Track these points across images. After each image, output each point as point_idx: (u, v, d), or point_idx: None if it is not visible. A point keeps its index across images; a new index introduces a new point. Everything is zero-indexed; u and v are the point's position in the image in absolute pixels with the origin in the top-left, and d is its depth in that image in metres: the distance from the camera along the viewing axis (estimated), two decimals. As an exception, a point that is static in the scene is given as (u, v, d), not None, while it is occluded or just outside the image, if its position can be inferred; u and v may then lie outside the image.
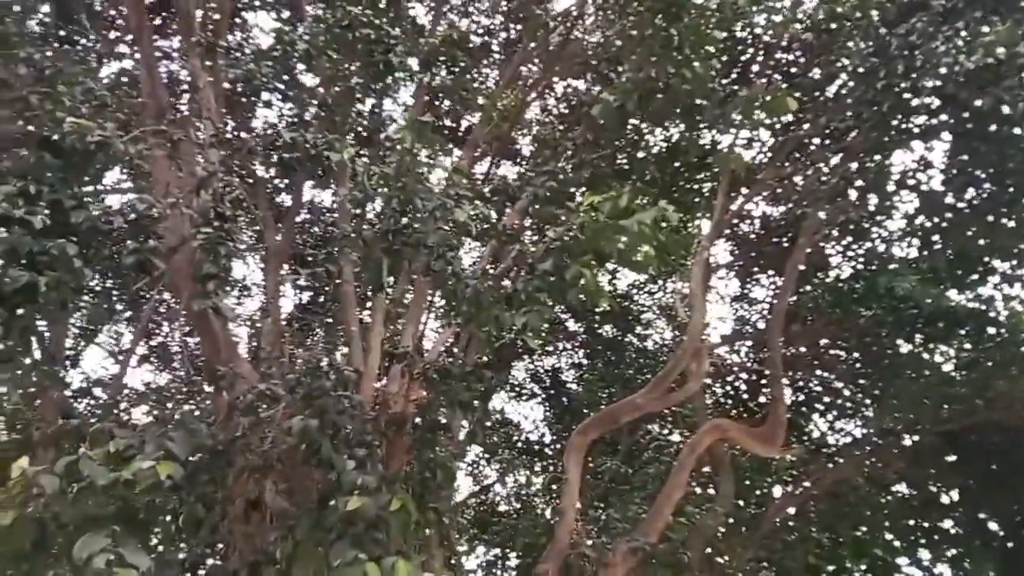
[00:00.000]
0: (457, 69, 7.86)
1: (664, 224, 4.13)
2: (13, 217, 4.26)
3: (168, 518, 4.90)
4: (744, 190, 10.05)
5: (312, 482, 4.88)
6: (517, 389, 15.33)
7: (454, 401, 5.26)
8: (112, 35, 10.66)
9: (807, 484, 10.63)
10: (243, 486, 5.35)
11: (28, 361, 7.91)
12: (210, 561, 5.11)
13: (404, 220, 4.93)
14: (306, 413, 4.71)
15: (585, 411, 11.37)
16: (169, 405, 10.76)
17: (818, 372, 11.74)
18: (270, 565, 5.00)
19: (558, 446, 13.06)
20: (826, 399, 11.55)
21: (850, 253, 10.85)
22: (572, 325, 14.67)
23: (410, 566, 3.67)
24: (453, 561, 7.17)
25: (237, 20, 10.76)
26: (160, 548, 5.21)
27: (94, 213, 4.81)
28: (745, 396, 12.31)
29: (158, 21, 10.39)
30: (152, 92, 6.95)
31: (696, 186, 11.37)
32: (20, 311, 4.34)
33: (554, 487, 11.43)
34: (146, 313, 10.60)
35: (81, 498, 3.71)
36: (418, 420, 5.43)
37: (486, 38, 11.12)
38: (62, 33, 9.68)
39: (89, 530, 3.60)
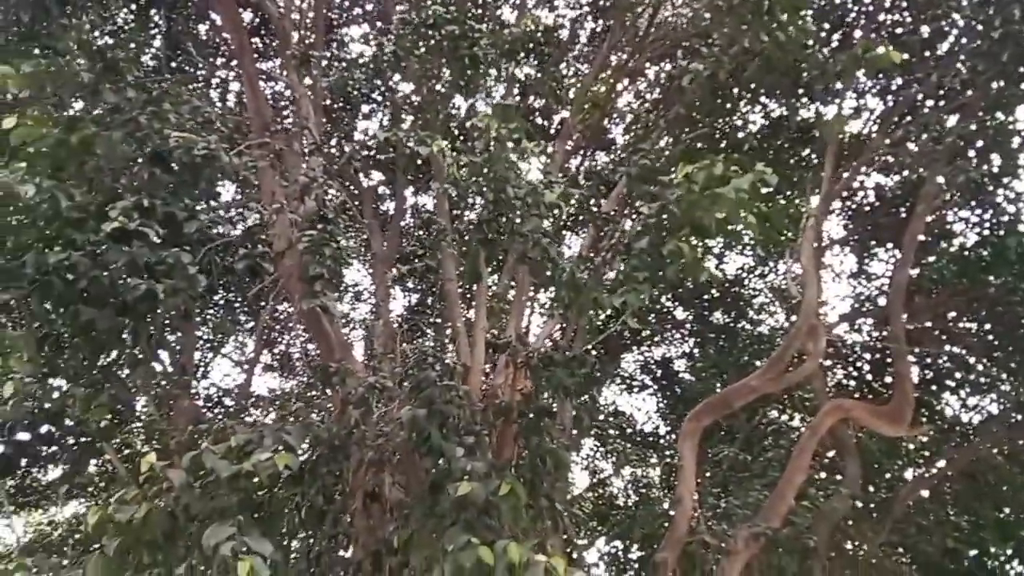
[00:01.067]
0: (544, 61, 7.85)
1: (764, 190, 3.97)
2: (130, 231, 4.53)
3: (292, 511, 5.10)
4: (854, 162, 9.60)
5: (425, 473, 4.96)
6: (628, 381, 15.18)
7: (558, 388, 5.24)
8: (218, 61, 11.23)
9: (941, 465, 10.03)
10: (361, 479, 5.51)
11: (159, 370, 8.38)
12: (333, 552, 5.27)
13: (497, 210, 4.95)
14: (414, 403, 4.80)
15: (698, 400, 11.08)
16: (292, 408, 11.22)
17: (947, 347, 11.06)
18: (390, 555, 5.13)
19: (672, 436, 12.82)
20: (957, 375, 10.85)
21: (974, 219, 10.16)
22: (681, 313, 14.40)
23: (522, 548, 3.67)
24: (571, 551, 7.14)
25: (332, 36, 11.15)
26: (285, 541, 5.42)
27: (206, 224, 5.07)
28: (869, 377, 11.73)
29: (258, 43, 10.86)
30: (257, 108, 7.26)
31: (802, 161, 10.94)
32: (145, 319, 4.63)
33: (671, 477, 11.24)
34: (263, 320, 11.07)
35: (207, 491, 3.90)
36: (524, 409, 5.43)
37: (572, 29, 11.05)
38: (173, 64, 10.28)
39: (216, 521, 3.79)
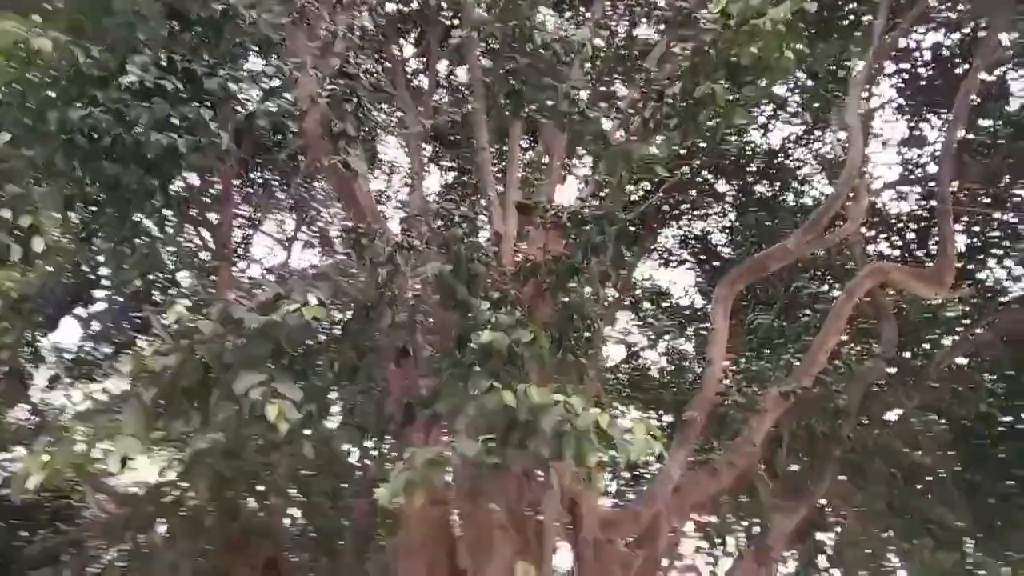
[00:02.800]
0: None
1: (802, 23, 3.73)
2: (150, 87, 4.47)
3: (326, 366, 5.21)
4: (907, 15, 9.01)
5: (454, 329, 5.00)
6: (666, 256, 15.06)
7: (588, 246, 5.19)
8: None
9: (978, 331, 9.88)
10: (392, 338, 5.59)
11: (198, 243, 8.51)
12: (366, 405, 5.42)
13: (523, 60, 4.76)
14: (441, 260, 4.80)
15: (738, 272, 10.94)
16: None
17: (995, 214, 10.67)
18: (421, 407, 5.26)
19: (709, 310, 12.79)
20: (1005, 244, 10.52)
21: (1034, 78, 9.56)
22: (722, 186, 14.07)
23: (544, 391, 3.72)
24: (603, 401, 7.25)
25: None
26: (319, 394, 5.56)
27: (226, 80, 4.98)
28: (912, 246, 11.45)
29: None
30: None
31: (854, 20, 10.31)
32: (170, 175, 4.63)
33: (705, 348, 11.25)
34: (296, 188, 11.10)
35: (234, 337, 3.98)
36: (553, 267, 5.41)
37: None
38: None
39: (247, 370, 3.89)
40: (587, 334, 5.22)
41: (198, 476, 7.00)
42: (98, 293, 8.22)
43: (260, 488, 8.32)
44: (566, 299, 5.10)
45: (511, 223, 7.23)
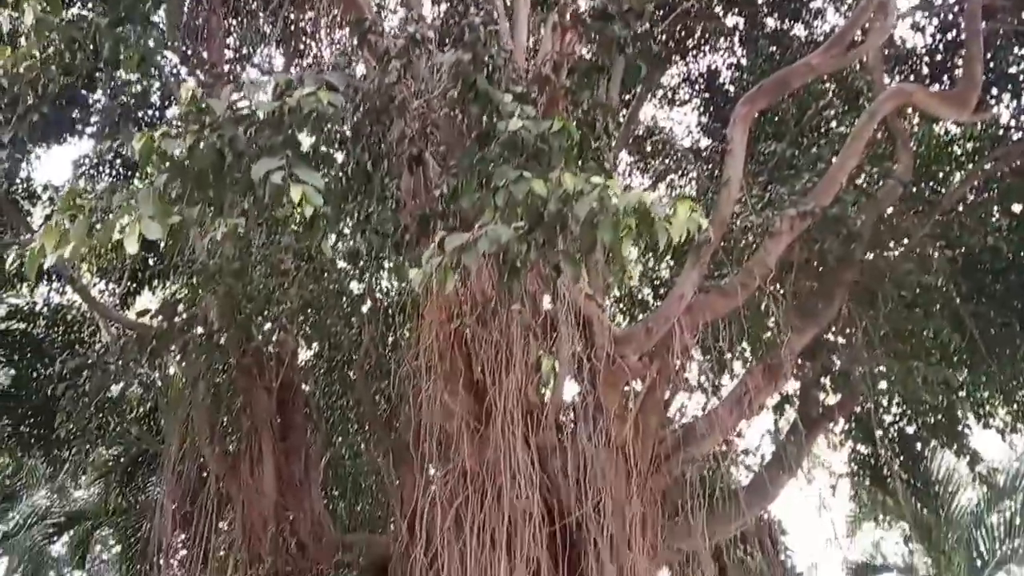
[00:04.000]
0: None
1: None
2: None
3: (339, 173, 5.05)
4: None
5: (470, 130, 4.81)
6: (670, 95, 14.61)
7: (612, 43, 4.91)
8: None
9: (989, 167, 9.74)
10: (405, 147, 5.41)
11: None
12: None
13: None
14: (458, 49, 4.54)
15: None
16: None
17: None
18: (437, 219, 5.15)
19: (713, 150, 12.52)
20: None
21: None
22: (731, 20, 13.45)
23: (577, 177, 3.58)
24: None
25: None
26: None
27: None
28: (927, 81, 11.07)
29: None
30: None
31: None
32: None
33: (708, 193, 11.05)
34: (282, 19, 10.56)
35: (246, 125, 3.79)
36: (574, 66, 5.15)
37: None
38: None
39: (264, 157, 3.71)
40: (613, 133, 5.02)
41: (209, 294, 7.03)
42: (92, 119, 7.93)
43: (270, 315, 8.36)
44: (589, 96, 4.87)
45: (522, 18, 6.85)
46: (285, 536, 8.16)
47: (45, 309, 12.32)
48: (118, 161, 11.18)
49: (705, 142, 14.01)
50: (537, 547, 6.35)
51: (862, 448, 10.62)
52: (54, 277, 11.89)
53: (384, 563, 8.00)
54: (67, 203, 3.58)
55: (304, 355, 10.34)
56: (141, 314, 8.16)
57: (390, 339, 8.95)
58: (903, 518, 12.33)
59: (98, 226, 3.36)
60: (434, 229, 5.12)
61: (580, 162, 4.50)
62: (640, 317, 10.57)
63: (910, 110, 8.92)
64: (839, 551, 12.29)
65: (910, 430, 10.56)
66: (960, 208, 9.71)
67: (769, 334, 8.14)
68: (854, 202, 7.17)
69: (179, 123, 3.81)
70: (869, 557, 14.23)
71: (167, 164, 3.60)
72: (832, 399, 8.69)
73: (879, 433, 10.19)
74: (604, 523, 6.35)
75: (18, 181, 10.79)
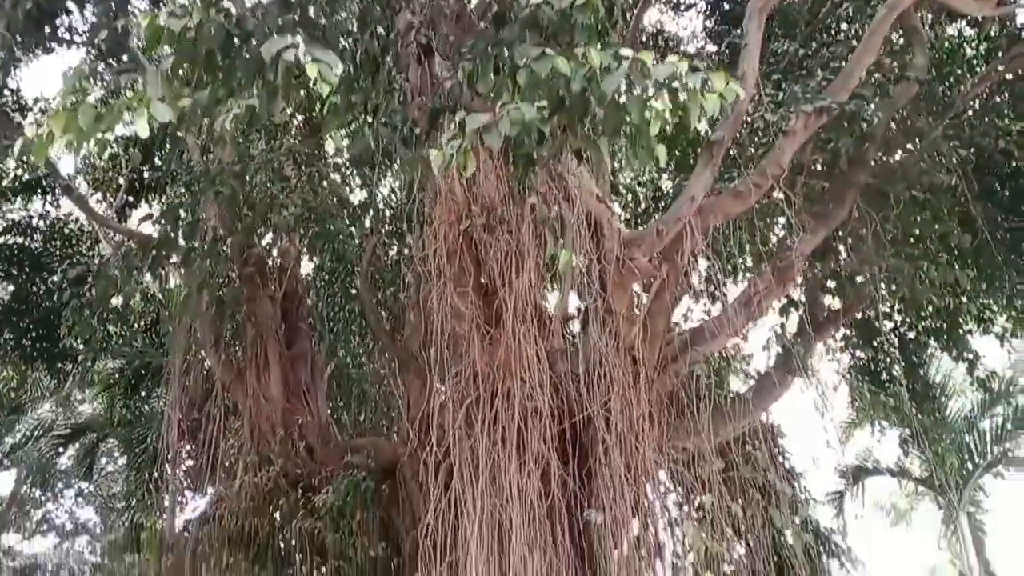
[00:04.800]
0: None
1: None
2: None
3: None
4: None
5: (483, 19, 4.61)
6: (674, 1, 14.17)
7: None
8: None
9: (1002, 68, 9.51)
10: (413, 37, 5.21)
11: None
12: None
13: None
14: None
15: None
16: None
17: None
18: (447, 111, 4.99)
19: (720, 58, 12.21)
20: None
21: None
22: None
23: (603, 53, 3.42)
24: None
25: None
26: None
27: None
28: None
29: None
30: None
31: None
32: None
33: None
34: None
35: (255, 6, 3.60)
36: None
37: None
38: None
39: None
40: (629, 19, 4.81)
41: (210, 200, 6.90)
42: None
43: (272, 223, 8.25)
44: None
45: None
46: (293, 440, 8.25)
47: (42, 223, 12.17)
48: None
49: (711, 47, 13.67)
50: (546, 445, 6.43)
51: (861, 354, 10.71)
52: (49, 190, 11.71)
53: (392, 466, 8.13)
54: (73, 87, 3.43)
55: (307, 267, 10.29)
56: (144, 219, 8.02)
57: (394, 247, 8.88)
58: (899, 423, 12.56)
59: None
60: (444, 123, 4.97)
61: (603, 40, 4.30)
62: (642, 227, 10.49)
63: (927, 6, 8.63)
64: (835, 455, 12.53)
65: (911, 335, 10.63)
66: (972, 110, 9.54)
67: (779, 236, 8.08)
68: (870, 100, 6.97)
69: (186, 3, 3.62)
70: (863, 461, 14.60)
71: (175, 45, 3.43)
72: (837, 303, 8.71)
73: (880, 339, 10.27)
74: (612, 422, 6.41)
75: (8, 93, 10.50)
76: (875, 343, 10.12)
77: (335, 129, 4.33)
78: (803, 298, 8.18)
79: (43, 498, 20.40)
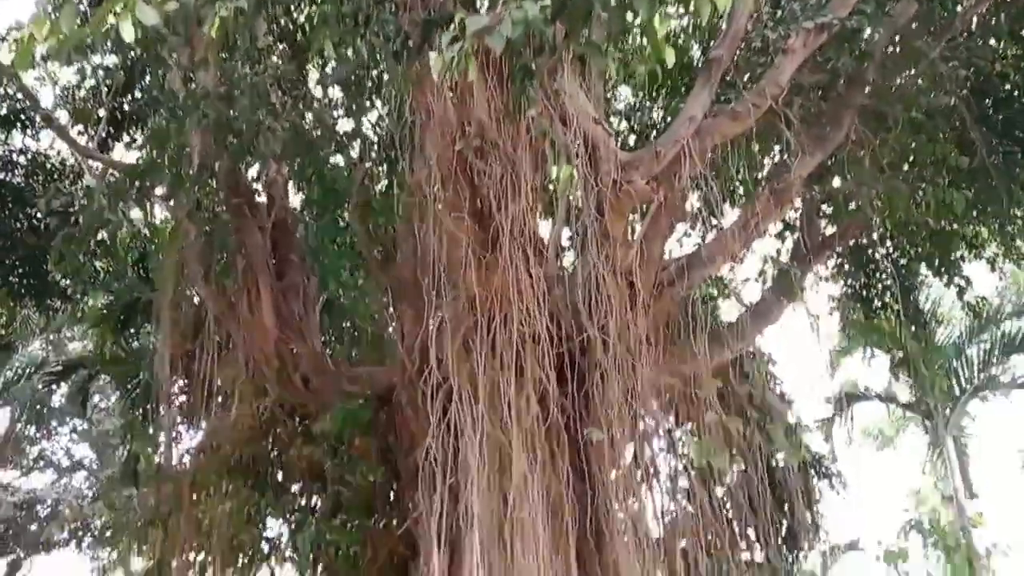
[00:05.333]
0: None
1: None
2: None
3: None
4: None
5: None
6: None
7: None
8: None
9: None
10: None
11: None
12: None
13: None
14: None
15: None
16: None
17: None
18: (441, 24, 4.82)
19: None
20: None
21: None
22: None
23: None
24: None
25: None
26: None
27: None
28: None
29: None
30: None
31: None
32: None
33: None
34: None
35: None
36: None
37: None
38: None
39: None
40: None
41: (195, 122, 6.71)
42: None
43: (259, 152, 8.06)
44: None
45: None
46: (288, 371, 8.23)
47: (23, 159, 11.89)
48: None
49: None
50: (544, 369, 6.44)
51: (854, 281, 10.76)
52: (29, 123, 11.41)
53: (389, 394, 8.14)
54: None
55: (296, 199, 10.14)
56: (128, 145, 7.83)
57: (384, 176, 8.74)
58: (888, 349, 12.72)
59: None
60: (438, 37, 4.80)
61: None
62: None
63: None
64: (825, 382, 12.71)
65: (903, 261, 10.67)
66: (969, 32, 9.38)
67: (775, 159, 7.99)
68: (873, 14, 6.79)
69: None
70: (852, 387, 14.80)
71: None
72: (832, 228, 8.69)
73: (873, 265, 10.30)
74: (610, 344, 6.41)
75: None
76: (868, 269, 10.15)
77: (325, 42, 4.12)
78: (799, 222, 8.15)
79: (38, 435, 20.52)
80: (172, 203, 8.02)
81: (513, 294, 6.31)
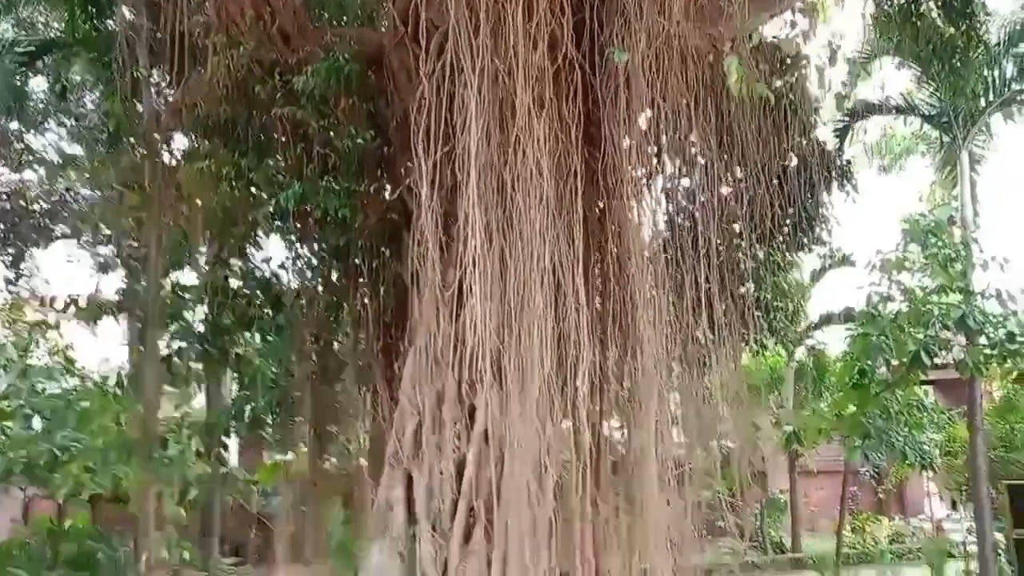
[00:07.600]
0: None
1: None
2: None
3: None
4: None
5: None
6: None
7: None
8: None
9: None
10: None
11: None
12: None
13: None
14: None
15: None
16: None
17: None
18: None
19: None
20: None
21: None
22: None
23: None
24: None
25: None
26: None
27: None
28: None
29: None
30: None
31: None
32: None
33: None
34: None
35: None
36: None
37: None
38: None
39: None
40: None
41: None
42: None
43: None
44: None
45: None
46: (265, 24, 7.33)
47: None
48: None
49: None
50: (555, 15, 5.60)
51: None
52: None
53: (378, 54, 7.35)
54: None
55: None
56: None
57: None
58: (920, 50, 11.65)
59: None
60: None
61: None
62: None
63: None
64: (846, 89, 11.72)
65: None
66: None
67: None
68: None
69: None
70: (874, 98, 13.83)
71: None
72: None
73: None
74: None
75: None
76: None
77: None
78: None
79: (21, 129, 19.70)
80: None
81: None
